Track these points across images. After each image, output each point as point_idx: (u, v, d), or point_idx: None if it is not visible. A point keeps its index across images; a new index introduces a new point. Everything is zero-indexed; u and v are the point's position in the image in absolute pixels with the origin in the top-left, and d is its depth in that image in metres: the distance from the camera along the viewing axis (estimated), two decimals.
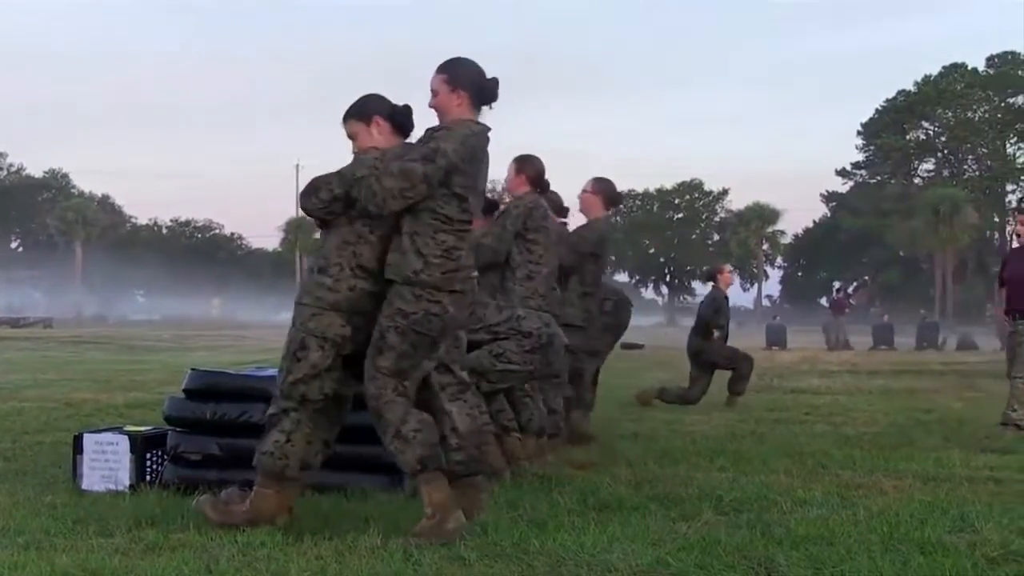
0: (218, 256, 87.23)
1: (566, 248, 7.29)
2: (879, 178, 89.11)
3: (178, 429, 5.65)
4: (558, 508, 5.01)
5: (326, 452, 4.78)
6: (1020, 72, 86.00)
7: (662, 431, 8.48)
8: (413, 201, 4.49)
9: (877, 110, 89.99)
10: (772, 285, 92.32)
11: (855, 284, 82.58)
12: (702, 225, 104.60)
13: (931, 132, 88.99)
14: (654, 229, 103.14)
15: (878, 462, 6.60)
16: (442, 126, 4.63)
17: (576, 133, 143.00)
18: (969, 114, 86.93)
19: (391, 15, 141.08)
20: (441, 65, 4.75)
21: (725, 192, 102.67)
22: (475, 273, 4.74)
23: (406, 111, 4.84)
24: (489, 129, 4.73)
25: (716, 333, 11.57)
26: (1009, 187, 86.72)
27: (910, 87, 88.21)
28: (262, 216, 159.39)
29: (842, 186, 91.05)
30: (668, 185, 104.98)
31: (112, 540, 4.37)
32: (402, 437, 4.45)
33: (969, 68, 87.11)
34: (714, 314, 11.62)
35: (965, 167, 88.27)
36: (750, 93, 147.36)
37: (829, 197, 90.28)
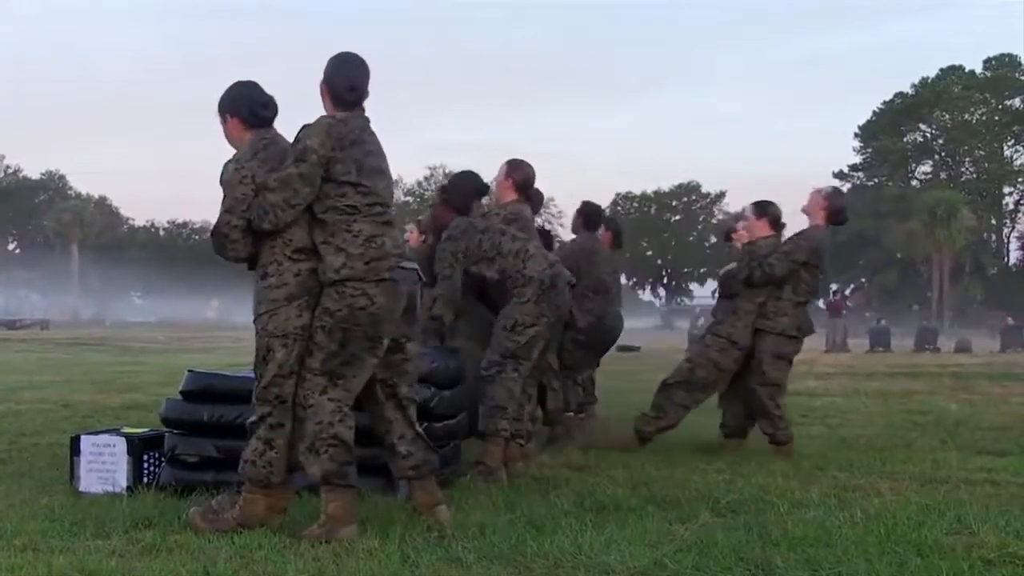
0: (215, 258, 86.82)
1: (780, 257, 7.29)
2: (876, 180, 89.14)
3: (175, 431, 5.64)
4: (555, 510, 5.01)
5: None
6: (1017, 75, 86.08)
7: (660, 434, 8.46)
8: (304, 205, 4.56)
9: (874, 112, 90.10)
10: None
11: (852, 286, 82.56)
12: (699, 227, 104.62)
13: (928, 134, 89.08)
14: (651, 231, 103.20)
15: (875, 464, 6.61)
16: (304, 125, 4.67)
17: (572, 135, 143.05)
18: (966, 116, 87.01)
19: (392, 15, 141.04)
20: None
21: (722, 194, 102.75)
22: (411, 264, 4.78)
23: (259, 103, 4.80)
24: (358, 115, 4.74)
25: None
26: (1006, 189, 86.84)
27: (907, 89, 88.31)
28: None
29: (840, 188, 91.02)
30: (665, 187, 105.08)
31: (109, 542, 4.37)
32: (314, 451, 4.53)
33: (966, 70, 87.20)
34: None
35: (962, 169, 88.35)
36: (747, 95, 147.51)
37: None
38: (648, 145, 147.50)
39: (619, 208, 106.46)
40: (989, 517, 4.81)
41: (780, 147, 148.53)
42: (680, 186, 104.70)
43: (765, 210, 7.64)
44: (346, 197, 4.58)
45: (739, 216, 8.39)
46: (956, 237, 66.82)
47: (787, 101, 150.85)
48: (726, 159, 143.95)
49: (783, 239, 7.57)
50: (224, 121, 4.84)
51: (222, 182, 4.67)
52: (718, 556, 4.09)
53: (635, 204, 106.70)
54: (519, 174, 6.80)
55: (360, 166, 4.62)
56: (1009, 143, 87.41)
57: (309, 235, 4.61)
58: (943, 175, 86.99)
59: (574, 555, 4.12)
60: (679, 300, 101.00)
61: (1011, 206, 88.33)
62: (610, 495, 5.39)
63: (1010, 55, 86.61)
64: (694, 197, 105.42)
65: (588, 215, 8.65)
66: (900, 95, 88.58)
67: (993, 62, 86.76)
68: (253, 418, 4.67)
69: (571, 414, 8.16)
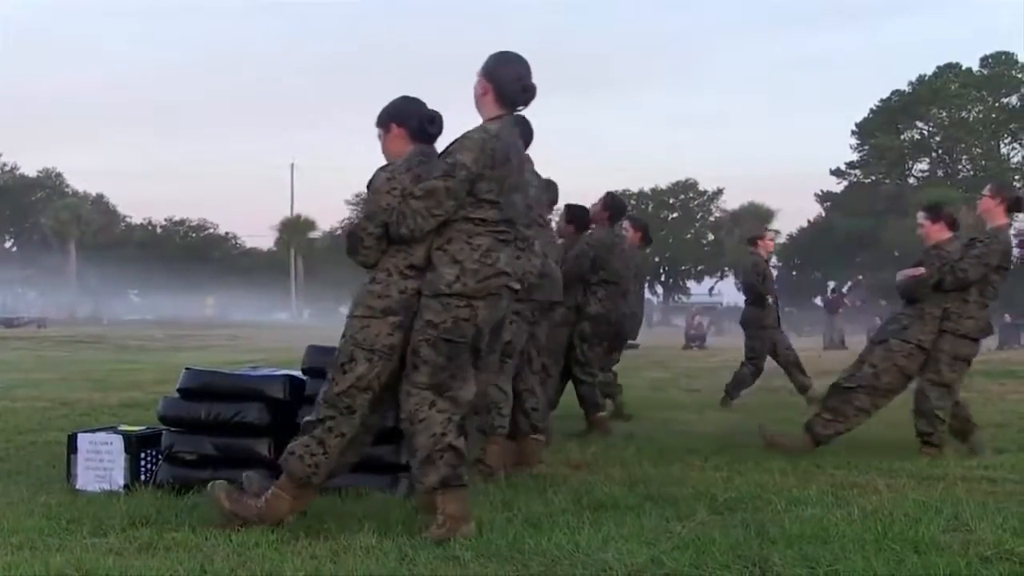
0: (212, 256, 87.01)
1: (972, 261, 7.24)
2: (874, 178, 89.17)
3: (173, 429, 5.65)
4: (553, 508, 5.01)
5: (355, 460, 4.79)
6: (1014, 73, 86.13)
7: (657, 431, 8.48)
8: (444, 218, 4.52)
9: (871, 110, 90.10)
10: None
11: (849, 284, 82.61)
12: (697, 225, 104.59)
13: (925, 132, 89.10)
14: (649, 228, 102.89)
15: (872, 461, 6.61)
16: (459, 138, 4.61)
17: (570, 131, 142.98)
18: (963, 114, 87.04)
19: (385, 14, 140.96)
20: (490, 55, 4.79)
21: (720, 192, 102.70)
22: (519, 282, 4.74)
23: (430, 119, 4.80)
24: (515, 121, 4.76)
25: (770, 299, 11.53)
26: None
27: (905, 87, 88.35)
28: (256, 216, 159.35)
29: (837, 186, 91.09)
30: (663, 185, 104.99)
31: (106, 540, 4.37)
32: (430, 461, 4.47)
33: (963, 68, 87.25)
34: (762, 280, 11.53)
35: (959, 167, 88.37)
36: (745, 93, 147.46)
37: (824, 197, 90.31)
38: (645, 142, 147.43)
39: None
40: (986, 514, 4.81)
41: (777, 145, 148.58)
42: (677, 184, 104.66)
43: (939, 213, 7.63)
44: (479, 211, 4.57)
45: (757, 222, 8.40)
46: None
47: (785, 99, 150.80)
48: (724, 157, 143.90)
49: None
50: (387, 131, 4.83)
51: (370, 188, 4.68)
52: (715, 554, 4.09)
53: (632, 201, 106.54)
54: None
55: (503, 186, 4.62)
56: (1006, 141, 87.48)
57: (427, 257, 4.59)
58: (940, 173, 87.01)
59: (571, 552, 4.12)
60: (677, 297, 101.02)
61: None
62: (607, 493, 5.40)
63: (1007, 53, 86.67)
64: (691, 195, 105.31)
65: (615, 209, 8.68)
66: (897, 93, 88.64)
67: (990, 60, 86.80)
68: (311, 417, 4.64)
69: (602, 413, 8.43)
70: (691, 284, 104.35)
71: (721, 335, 50.86)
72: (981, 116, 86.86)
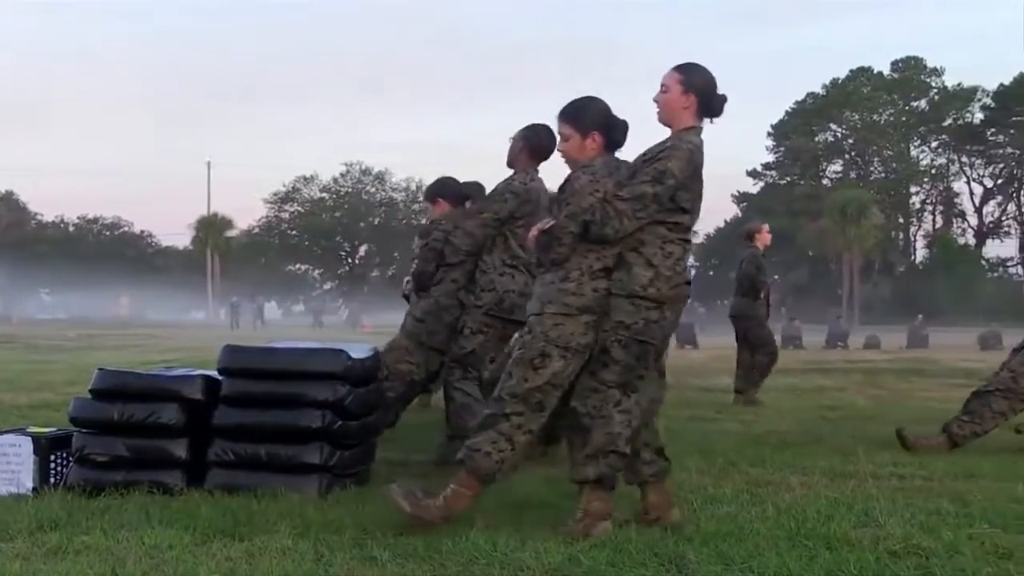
0: (127, 254, 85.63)
1: None
2: (789, 179, 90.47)
3: (84, 430, 5.54)
4: (471, 507, 4.99)
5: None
6: (923, 77, 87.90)
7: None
8: (646, 222, 4.55)
9: (787, 112, 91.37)
10: None
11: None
12: None
13: (839, 134, 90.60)
14: None
15: (786, 459, 6.69)
16: (668, 144, 4.64)
17: (499, 134, 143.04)
18: (875, 117, 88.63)
19: (307, 14, 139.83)
20: (679, 65, 4.79)
21: None
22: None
23: (623, 129, 4.82)
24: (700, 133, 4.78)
25: (763, 293, 11.64)
26: (913, 189, 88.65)
27: (819, 90, 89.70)
28: (172, 214, 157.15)
29: (753, 187, 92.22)
30: None
31: (13, 545, 4.27)
32: (595, 457, 4.52)
33: (875, 72, 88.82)
34: (757, 271, 11.61)
35: (871, 169, 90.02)
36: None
37: (740, 198, 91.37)
38: None
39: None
40: (895, 510, 4.91)
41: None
42: None
43: None
44: (674, 216, 4.61)
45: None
46: (865, 236, 68.05)
47: None
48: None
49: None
50: (585, 135, 4.77)
51: (572, 190, 4.64)
52: (632, 552, 4.12)
53: None
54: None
55: (698, 195, 4.67)
56: (916, 143, 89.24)
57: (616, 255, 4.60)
58: (853, 174, 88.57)
59: (489, 552, 4.12)
60: None
61: (917, 205, 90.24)
62: (527, 491, 5.39)
63: (916, 57, 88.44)
64: None
65: None
66: (812, 95, 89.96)
67: (900, 64, 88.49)
68: (495, 411, 4.62)
69: None
70: None
71: None
72: (892, 119, 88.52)
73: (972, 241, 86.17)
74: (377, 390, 5.97)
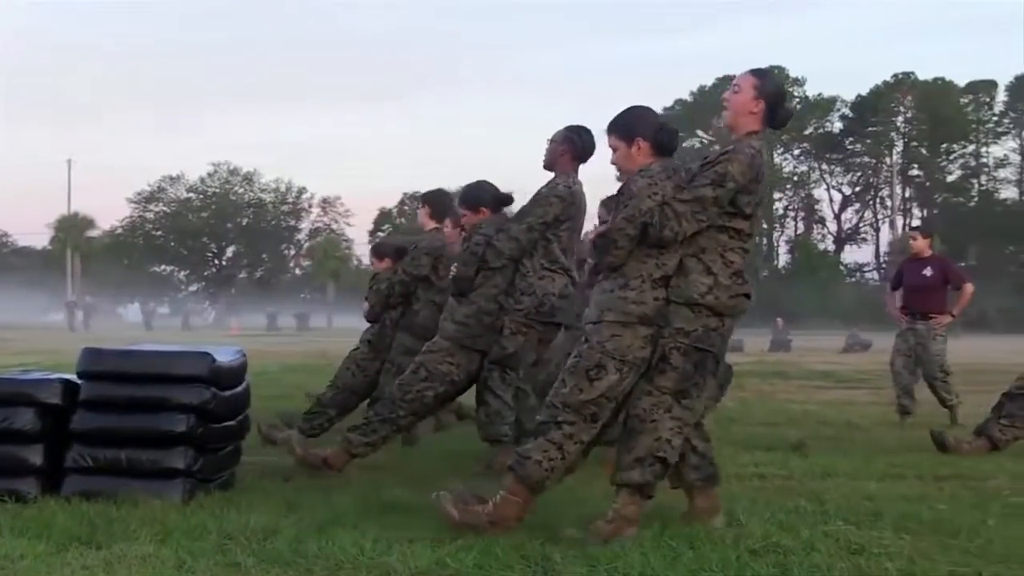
0: None
1: None
2: None
3: None
4: (338, 510, 4.96)
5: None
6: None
7: (448, 434, 8.50)
8: (705, 224, 4.53)
9: None
10: None
11: None
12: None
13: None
14: None
15: None
16: (729, 147, 4.64)
17: (363, 134, 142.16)
18: None
19: (175, 14, 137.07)
20: (755, 69, 4.80)
21: (511, 195, 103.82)
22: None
23: (671, 133, 4.82)
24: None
25: None
26: (776, 195, 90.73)
27: (686, 97, 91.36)
28: (30, 213, 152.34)
29: None
30: (453, 186, 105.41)
31: None
32: (642, 462, 4.51)
33: None
34: None
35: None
36: (539, 98, 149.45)
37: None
38: (439, 144, 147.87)
39: (406, 208, 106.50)
40: (756, 509, 5.02)
41: None
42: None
43: None
44: (734, 221, 4.58)
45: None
46: None
47: (572, 106, 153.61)
48: (519, 160, 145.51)
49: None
50: (630, 144, 4.76)
51: (630, 193, 4.61)
52: (499, 554, 4.13)
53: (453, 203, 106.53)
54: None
55: (758, 201, 4.65)
56: (779, 151, 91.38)
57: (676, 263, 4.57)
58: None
59: (355, 556, 4.09)
60: None
61: (780, 211, 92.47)
62: (394, 495, 5.38)
63: (779, 67, 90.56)
64: None
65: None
66: (679, 102, 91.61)
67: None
68: (546, 419, 4.59)
69: None
70: None
71: None
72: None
73: (831, 247, 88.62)
74: (244, 393, 5.88)
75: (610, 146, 4.86)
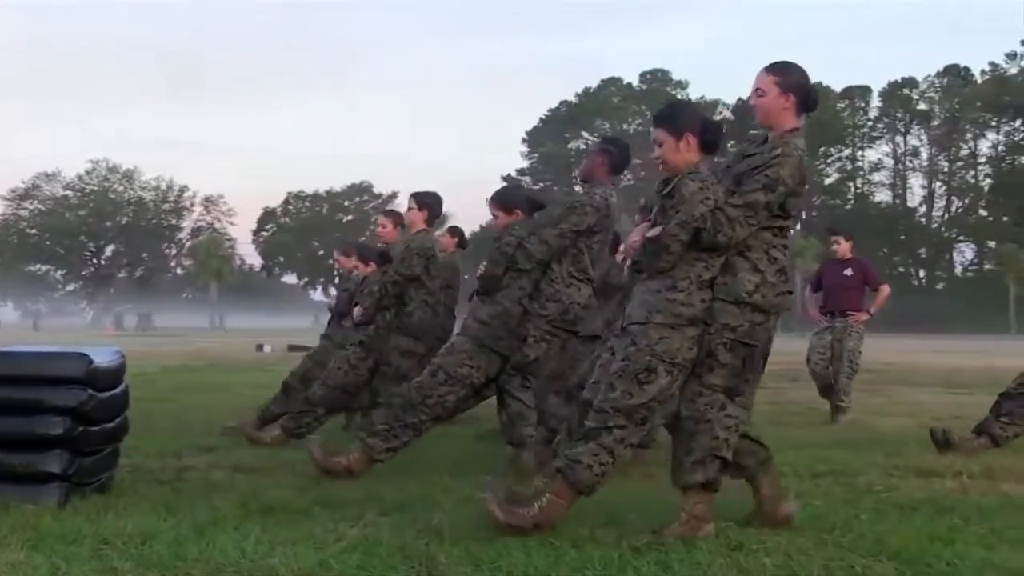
0: None
1: None
2: (543, 185, 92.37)
3: None
4: (219, 513, 4.89)
5: None
6: (669, 88, 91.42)
7: (333, 434, 8.42)
8: (756, 228, 4.55)
9: (541, 119, 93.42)
10: None
11: None
12: (372, 228, 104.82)
13: (591, 142, 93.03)
14: (323, 231, 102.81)
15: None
16: (777, 150, 4.59)
17: (247, 132, 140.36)
18: (625, 126, 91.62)
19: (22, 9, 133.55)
20: (771, 65, 4.73)
21: (395, 195, 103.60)
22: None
23: (717, 129, 4.78)
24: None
25: None
26: None
27: (572, 98, 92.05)
28: None
29: None
30: (338, 187, 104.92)
31: None
32: (702, 462, 4.53)
33: (624, 83, 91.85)
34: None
35: (621, 177, 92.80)
36: (422, 98, 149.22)
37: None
38: (322, 144, 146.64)
39: (291, 208, 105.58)
40: (639, 507, 5.06)
41: (452, 150, 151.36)
42: (352, 186, 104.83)
43: None
44: (779, 221, 4.63)
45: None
46: None
47: (457, 106, 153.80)
48: (399, 160, 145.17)
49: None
50: (679, 138, 4.71)
51: (681, 197, 4.58)
52: (383, 555, 4.11)
53: (307, 203, 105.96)
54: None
55: (801, 203, 4.66)
56: None
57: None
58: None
59: (237, 559, 4.04)
60: None
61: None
62: (276, 497, 5.32)
63: (663, 70, 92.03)
64: (366, 197, 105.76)
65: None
66: (565, 104, 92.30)
67: (648, 75, 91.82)
68: (597, 424, 4.55)
69: None
70: None
71: None
72: (641, 128, 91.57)
73: None
74: (122, 395, 5.75)
75: (655, 139, 4.81)
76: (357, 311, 8.26)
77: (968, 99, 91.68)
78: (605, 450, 4.53)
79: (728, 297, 4.57)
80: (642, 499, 5.33)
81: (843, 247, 11.02)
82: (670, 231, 4.55)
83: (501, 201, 6.85)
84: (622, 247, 6.62)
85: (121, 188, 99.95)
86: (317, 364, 9.09)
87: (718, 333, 4.56)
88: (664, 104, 4.97)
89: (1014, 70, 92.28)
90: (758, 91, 4.73)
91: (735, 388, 4.61)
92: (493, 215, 6.83)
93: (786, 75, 4.70)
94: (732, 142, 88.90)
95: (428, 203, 7.80)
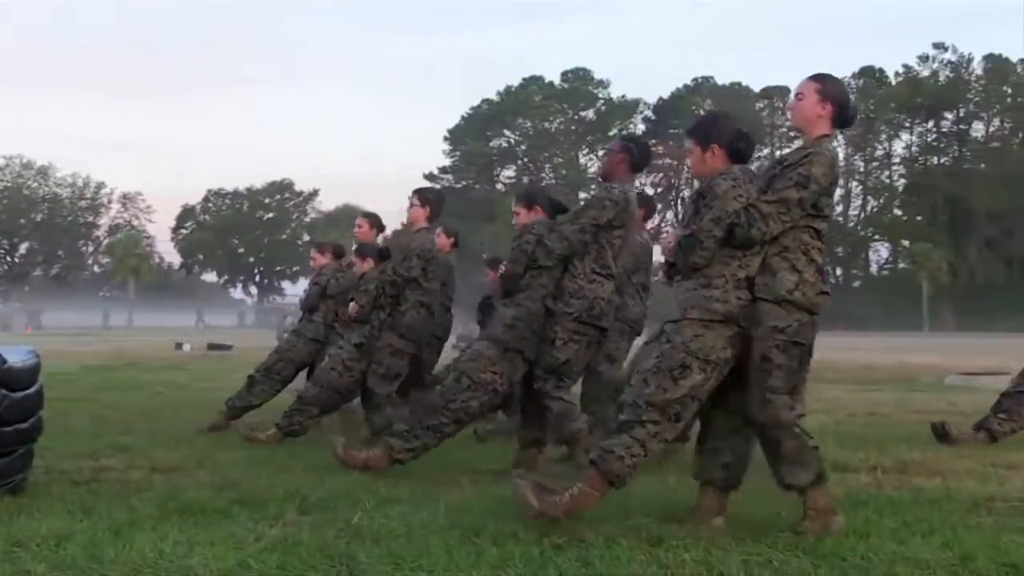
0: None
1: None
2: (464, 183, 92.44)
3: None
4: (137, 514, 4.83)
5: None
6: (590, 88, 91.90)
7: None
8: (789, 225, 4.64)
9: (463, 117, 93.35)
10: None
11: None
12: (292, 226, 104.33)
13: (512, 140, 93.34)
14: (244, 229, 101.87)
15: (458, 460, 6.79)
16: (810, 150, 4.71)
17: (166, 129, 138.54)
18: (546, 125, 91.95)
19: None
20: (816, 74, 4.88)
21: (315, 193, 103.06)
22: None
23: (748, 141, 4.92)
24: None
25: None
26: (582, 195, 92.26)
27: (494, 96, 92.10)
28: None
29: None
30: (258, 185, 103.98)
31: None
32: (800, 462, 4.64)
33: (546, 82, 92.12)
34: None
35: (543, 175, 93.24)
36: (340, 95, 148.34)
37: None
38: (243, 141, 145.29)
39: (211, 205, 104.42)
40: None
41: (373, 148, 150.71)
42: (273, 184, 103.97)
43: None
44: (815, 222, 4.72)
45: None
46: None
47: (379, 104, 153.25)
48: (319, 158, 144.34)
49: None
50: (705, 148, 4.88)
51: (714, 195, 4.70)
52: (303, 554, 4.09)
53: (227, 201, 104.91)
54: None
55: (832, 202, 4.83)
56: (584, 151, 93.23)
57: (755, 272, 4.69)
58: (526, 179, 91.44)
59: (155, 560, 3.99)
60: (271, 298, 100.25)
61: None
62: (195, 497, 5.26)
63: (584, 69, 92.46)
64: (287, 195, 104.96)
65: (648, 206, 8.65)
66: (487, 102, 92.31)
67: (570, 75, 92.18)
68: (630, 417, 4.62)
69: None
70: (286, 284, 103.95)
71: None
72: (562, 127, 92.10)
73: None
74: (37, 395, 5.65)
75: (687, 149, 5.00)
76: (352, 307, 8.29)
77: (883, 100, 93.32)
78: (638, 443, 4.61)
79: (769, 296, 4.66)
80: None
81: None
82: (704, 227, 4.68)
83: (524, 198, 6.91)
84: (659, 248, 6.78)
85: (36, 184, 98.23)
86: (284, 360, 9.21)
87: (768, 336, 4.63)
88: (698, 116, 5.18)
89: (926, 72, 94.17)
90: (798, 95, 4.89)
91: (796, 387, 4.74)
92: (515, 212, 6.87)
93: (827, 85, 4.86)
94: (653, 140, 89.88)
95: (431, 200, 7.86)
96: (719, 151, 4.87)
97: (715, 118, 5.19)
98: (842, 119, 4.87)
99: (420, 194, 7.89)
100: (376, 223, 9.20)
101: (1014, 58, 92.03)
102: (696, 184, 5.07)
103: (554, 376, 6.43)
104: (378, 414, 7.90)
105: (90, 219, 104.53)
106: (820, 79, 4.89)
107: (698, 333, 4.63)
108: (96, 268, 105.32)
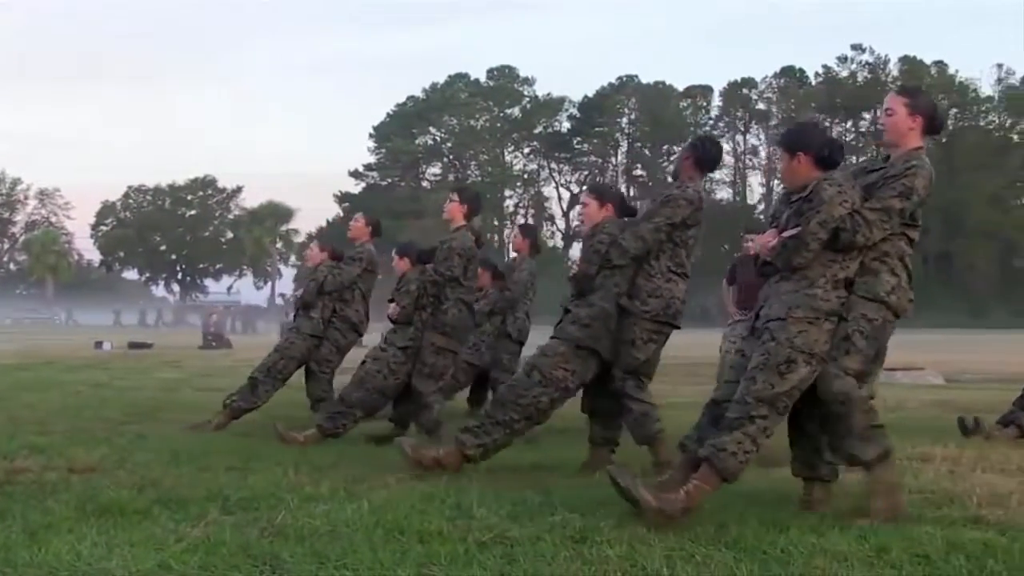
0: None
1: None
2: (390, 180, 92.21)
3: None
4: (53, 516, 4.73)
5: None
6: (516, 85, 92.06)
7: (171, 432, 8.25)
8: (888, 233, 4.92)
9: (388, 114, 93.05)
10: (286, 283, 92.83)
11: None
12: (215, 223, 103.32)
13: (438, 138, 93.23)
14: (165, 226, 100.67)
15: (383, 458, 6.75)
16: (912, 162, 4.96)
17: (87, 125, 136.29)
18: (472, 122, 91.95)
19: None
20: (902, 88, 5.22)
21: (239, 190, 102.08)
22: None
23: (837, 149, 5.08)
24: None
25: None
26: (507, 192, 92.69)
27: (419, 93, 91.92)
28: None
29: (355, 187, 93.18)
30: (180, 181, 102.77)
31: None
32: (864, 438, 4.85)
33: (472, 79, 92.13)
34: None
35: (469, 172, 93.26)
36: (264, 91, 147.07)
37: (343, 198, 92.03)
38: (164, 138, 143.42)
39: (131, 201, 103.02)
40: (486, 501, 5.08)
41: (298, 145, 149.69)
42: (196, 180, 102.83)
43: None
44: (911, 231, 5.04)
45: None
46: None
47: (304, 101, 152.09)
48: (243, 154, 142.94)
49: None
50: (792, 156, 5.07)
51: (820, 199, 4.88)
52: (225, 554, 4.04)
53: (148, 197, 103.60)
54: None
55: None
56: (509, 149, 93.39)
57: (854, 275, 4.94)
58: (452, 177, 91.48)
59: (72, 563, 3.91)
60: (194, 296, 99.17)
61: (511, 208, 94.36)
62: (114, 498, 5.16)
63: (510, 67, 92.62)
64: (210, 191, 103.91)
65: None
66: (412, 99, 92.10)
67: (495, 72, 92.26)
68: (738, 414, 4.78)
69: None
70: (209, 282, 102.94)
71: (256, 334, 50.71)
72: (488, 125, 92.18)
73: (560, 244, 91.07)
74: None
75: (779, 156, 5.24)
76: (393, 308, 8.20)
77: (803, 100, 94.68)
78: (749, 438, 4.77)
79: (868, 295, 4.94)
80: (491, 493, 5.36)
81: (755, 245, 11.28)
82: (811, 229, 4.86)
83: (596, 190, 6.93)
84: (750, 245, 6.99)
85: None
86: (285, 358, 9.20)
87: (855, 321, 4.91)
88: (789, 125, 5.37)
89: (845, 73, 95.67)
90: (888, 111, 5.16)
91: (867, 374, 5.05)
92: (584, 203, 6.86)
93: (915, 99, 5.15)
94: (579, 138, 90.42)
95: (469, 198, 7.86)
96: (805, 159, 5.07)
97: (802, 127, 5.53)
98: (931, 128, 5.21)
99: (459, 192, 7.93)
100: (372, 222, 9.34)
101: (928, 60, 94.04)
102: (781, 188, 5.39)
103: (633, 376, 6.46)
104: (426, 413, 7.86)
105: (5, 215, 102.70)
106: (907, 93, 5.22)
107: (803, 329, 4.85)
108: (12, 266, 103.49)
